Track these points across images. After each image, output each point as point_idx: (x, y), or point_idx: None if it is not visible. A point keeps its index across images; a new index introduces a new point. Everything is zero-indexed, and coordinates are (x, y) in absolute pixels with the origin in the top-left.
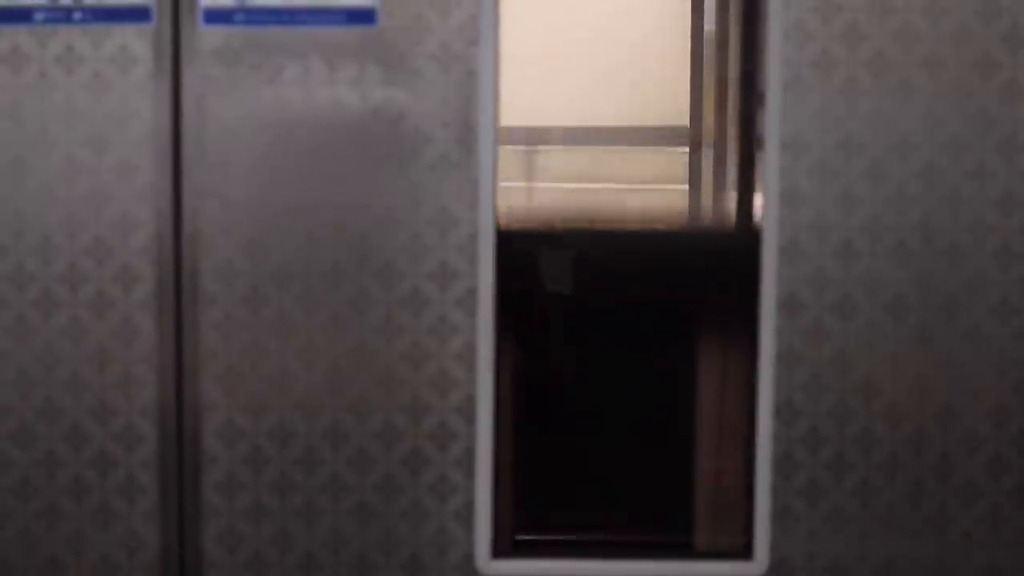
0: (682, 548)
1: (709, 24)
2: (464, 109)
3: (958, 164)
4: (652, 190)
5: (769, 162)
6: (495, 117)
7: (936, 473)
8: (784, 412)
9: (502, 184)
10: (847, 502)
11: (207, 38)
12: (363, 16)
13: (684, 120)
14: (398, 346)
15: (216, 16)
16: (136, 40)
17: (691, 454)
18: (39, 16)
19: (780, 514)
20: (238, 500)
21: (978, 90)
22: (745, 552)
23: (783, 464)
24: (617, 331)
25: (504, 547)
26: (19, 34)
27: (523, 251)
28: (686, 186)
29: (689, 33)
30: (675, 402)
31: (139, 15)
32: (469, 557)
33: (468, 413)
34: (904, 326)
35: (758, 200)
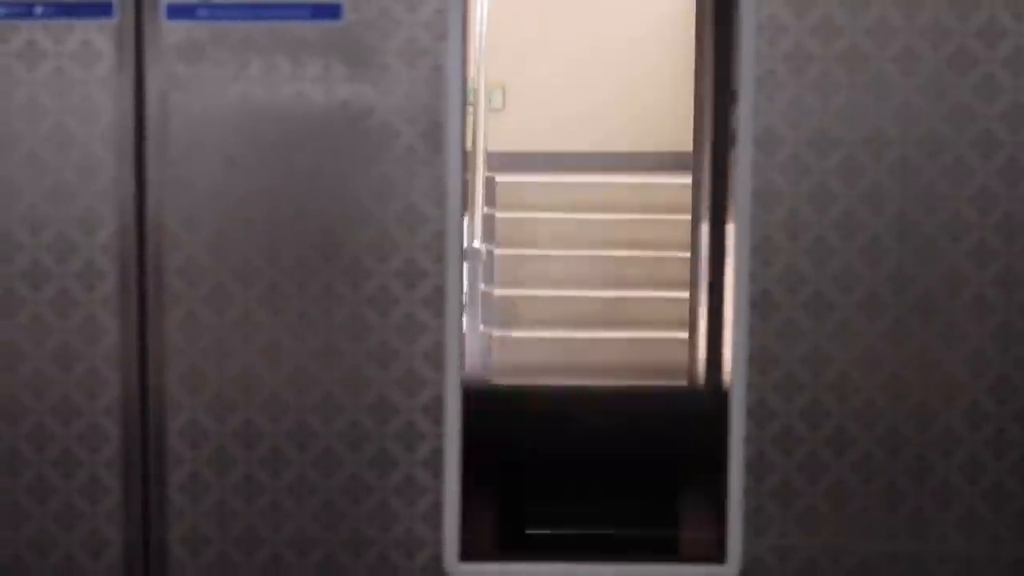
0: (654, 551)
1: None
2: (431, 105)
3: (934, 160)
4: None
5: (741, 158)
6: (462, 113)
7: (912, 474)
8: (757, 413)
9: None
10: (821, 503)
11: (170, 33)
12: (329, 11)
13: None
14: (365, 345)
15: (179, 11)
16: (98, 35)
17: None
18: (0, 11)
19: (753, 516)
20: (203, 501)
21: (954, 85)
22: (718, 554)
23: (756, 466)
24: None
25: (475, 549)
26: None
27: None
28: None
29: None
30: None
31: (101, 10)
32: (437, 559)
33: (436, 413)
34: (879, 325)
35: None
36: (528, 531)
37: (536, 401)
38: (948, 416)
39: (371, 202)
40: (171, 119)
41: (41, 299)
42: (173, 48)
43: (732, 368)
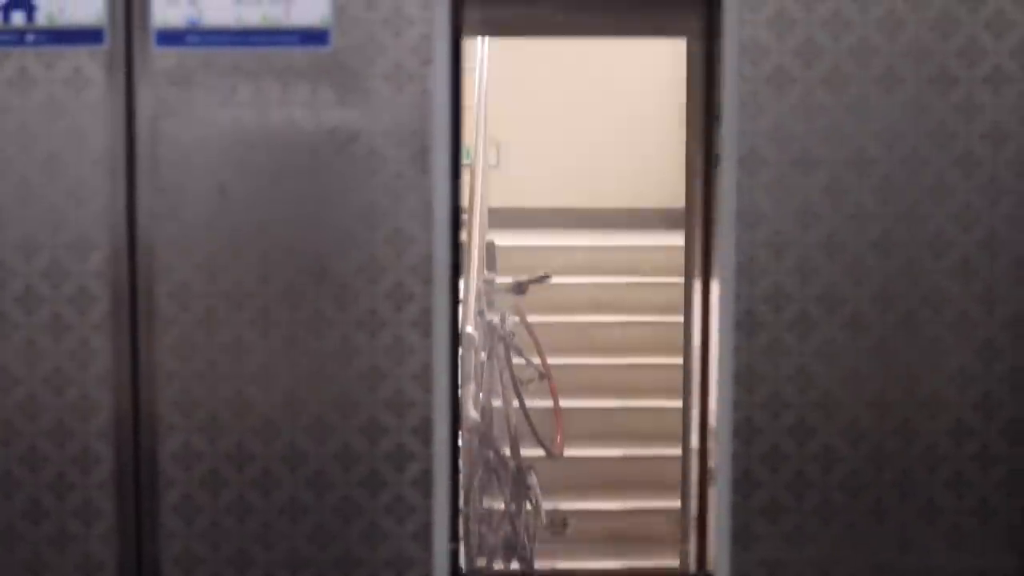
0: (643, 569)
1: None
2: (419, 128)
3: (916, 179)
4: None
5: (726, 179)
6: (450, 136)
7: (898, 490)
8: (743, 431)
9: None
10: (808, 520)
11: (160, 59)
12: (316, 37)
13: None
14: (355, 367)
15: (169, 38)
16: (89, 62)
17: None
18: None
19: (740, 533)
20: (196, 522)
21: (935, 105)
22: (705, 572)
23: (742, 483)
24: None
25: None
26: None
27: None
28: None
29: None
30: None
31: (92, 37)
32: None
33: (425, 434)
34: (863, 343)
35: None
36: None
37: None
38: (933, 433)
39: (359, 225)
40: (161, 144)
41: (34, 323)
42: (163, 74)
43: (718, 386)
